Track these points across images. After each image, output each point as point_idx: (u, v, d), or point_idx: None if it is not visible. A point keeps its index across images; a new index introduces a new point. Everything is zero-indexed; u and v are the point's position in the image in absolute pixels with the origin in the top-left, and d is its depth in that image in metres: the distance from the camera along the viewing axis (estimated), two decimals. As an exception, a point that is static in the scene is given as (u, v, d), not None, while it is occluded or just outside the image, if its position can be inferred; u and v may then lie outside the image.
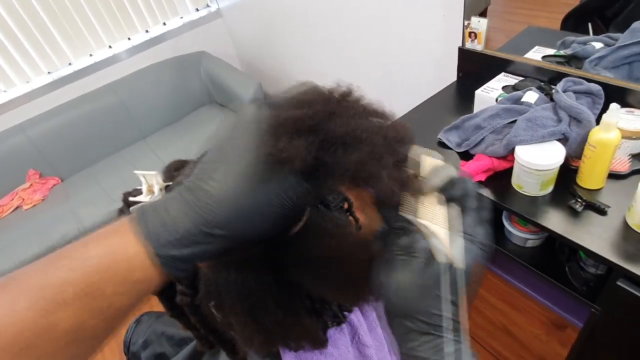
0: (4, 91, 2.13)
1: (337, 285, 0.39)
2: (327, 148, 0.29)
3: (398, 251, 0.33)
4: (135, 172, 0.37)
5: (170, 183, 0.44)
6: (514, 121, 0.95)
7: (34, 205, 2.02)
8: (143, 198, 0.41)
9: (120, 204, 0.44)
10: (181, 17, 2.55)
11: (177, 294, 0.43)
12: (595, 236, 0.81)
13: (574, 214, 0.85)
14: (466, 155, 1.04)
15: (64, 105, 2.22)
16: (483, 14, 1.25)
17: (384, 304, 0.34)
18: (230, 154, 0.29)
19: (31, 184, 2.10)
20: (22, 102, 2.14)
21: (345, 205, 0.53)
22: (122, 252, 0.28)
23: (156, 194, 0.42)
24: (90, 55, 2.32)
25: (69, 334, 0.26)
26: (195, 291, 0.41)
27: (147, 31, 2.46)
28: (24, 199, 2.05)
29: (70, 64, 2.27)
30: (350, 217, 0.54)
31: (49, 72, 2.22)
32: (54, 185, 2.16)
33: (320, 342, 0.40)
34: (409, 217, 0.34)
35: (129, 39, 2.41)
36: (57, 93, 2.23)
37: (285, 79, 2.43)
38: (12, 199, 2.06)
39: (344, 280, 0.39)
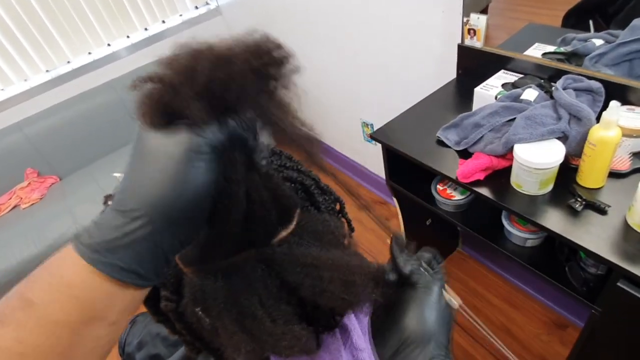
0: (2, 89, 2.12)
1: (329, 292, 0.38)
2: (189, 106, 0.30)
3: (421, 289, 0.42)
4: (114, 174, 0.36)
5: None
6: (513, 119, 0.93)
7: (32, 204, 2.02)
8: None
9: None
10: (180, 15, 2.54)
11: (162, 299, 0.42)
12: (594, 236, 0.79)
13: (574, 213, 0.84)
14: (465, 154, 1.02)
15: (63, 104, 2.21)
16: (484, 11, 1.23)
17: (399, 332, 0.40)
18: (133, 160, 0.31)
19: (29, 183, 2.10)
20: (20, 100, 2.13)
21: (337, 207, 0.52)
22: (56, 263, 0.29)
23: None
24: (89, 53, 2.31)
25: (11, 350, 0.26)
26: (180, 297, 0.40)
27: (146, 29, 2.45)
28: (21, 198, 2.04)
29: (68, 62, 2.26)
30: (343, 219, 0.53)
31: (47, 70, 2.21)
32: (52, 184, 2.15)
33: (311, 350, 0.39)
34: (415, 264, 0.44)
35: (127, 37, 2.40)
36: (56, 91, 2.22)
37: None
38: (10, 198, 2.05)
39: (336, 287, 0.38)
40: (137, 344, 0.99)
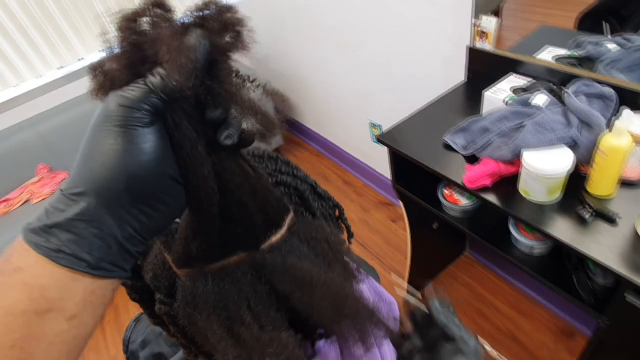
0: (15, 86, 2.15)
1: (318, 308, 0.37)
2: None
3: (459, 343, 0.42)
4: None
5: None
6: (523, 124, 0.91)
7: (43, 199, 2.04)
8: None
9: None
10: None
11: (157, 302, 0.42)
12: (604, 246, 0.78)
13: (583, 222, 0.82)
14: (472, 159, 1.01)
15: (75, 101, 2.24)
16: (496, 12, 1.21)
17: None
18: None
19: (41, 178, 2.13)
20: (32, 96, 2.17)
21: (337, 213, 0.51)
22: (9, 247, 0.28)
23: None
24: (102, 50, 2.33)
25: None
26: (174, 300, 0.40)
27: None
28: (33, 193, 2.07)
29: (82, 59, 2.29)
30: (342, 225, 0.53)
31: (60, 67, 2.24)
32: (63, 179, 2.18)
33: (299, 359, 0.38)
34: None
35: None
36: (68, 88, 2.25)
37: (295, 76, 2.41)
38: (22, 193, 2.08)
39: (326, 305, 0.37)
40: (141, 342, 0.99)
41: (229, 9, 0.32)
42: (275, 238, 0.39)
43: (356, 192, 2.34)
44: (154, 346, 0.98)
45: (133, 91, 0.29)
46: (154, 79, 0.29)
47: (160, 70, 0.29)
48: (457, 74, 1.35)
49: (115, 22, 0.31)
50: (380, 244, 2.03)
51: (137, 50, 0.30)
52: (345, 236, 0.52)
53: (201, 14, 0.31)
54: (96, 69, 0.31)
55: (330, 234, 0.43)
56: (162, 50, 0.28)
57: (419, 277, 1.73)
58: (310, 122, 2.63)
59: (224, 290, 0.38)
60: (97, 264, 0.28)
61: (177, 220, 0.38)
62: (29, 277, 0.26)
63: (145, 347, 1.00)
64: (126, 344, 1.05)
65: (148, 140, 0.29)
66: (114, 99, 0.29)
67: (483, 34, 1.21)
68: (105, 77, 0.31)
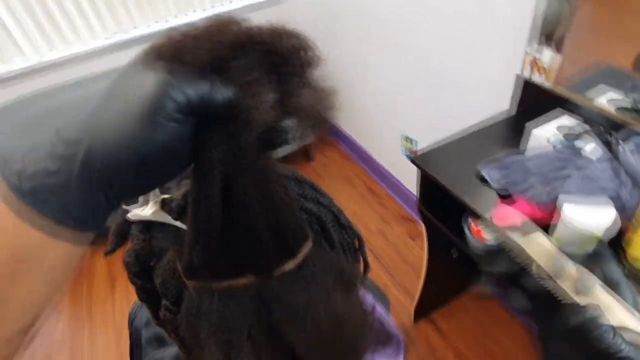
0: (68, 45, 2.22)
1: (315, 342, 0.36)
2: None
3: None
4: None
5: (167, 196, 0.42)
6: (568, 173, 0.87)
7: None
8: (137, 208, 0.40)
9: None
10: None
11: (162, 308, 0.42)
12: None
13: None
14: (506, 196, 0.97)
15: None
16: (552, 38, 1.14)
17: None
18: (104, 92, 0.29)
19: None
20: (83, 59, 2.24)
21: (357, 244, 0.49)
22: None
23: (149, 206, 0.40)
24: (156, 22, 2.38)
25: None
26: (179, 309, 0.39)
27: (213, 7, 2.49)
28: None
29: (134, 27, 2.34)
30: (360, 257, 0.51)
31: (112, 34, 2.30)
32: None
33: None
34: None
35: (194, 11, 2.45)
36: (119, 55, 2.30)
37: (339, 72, 2.39)
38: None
39: (327, 339, 0.36)
40: (145, 321, 1.01)
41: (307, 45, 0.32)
42: (289, 266, 0.38)
43: (379, 202, 2.31)
44: (157, 328, 0.99)
45: (188, 84, 0.27)
46: (218, 90, 0.28)
47: (229, 88, 0.28)
48: (500, 100, 1.31)
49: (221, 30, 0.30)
50: (394, 259, 2.00)
51: (217, 56, 0.29)
52: (360, 269, 0.50)
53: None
54: (174, 32, 0.30)
55: (345, 267, 0.41)
56: (249, 92, 0.29)
57: (429, 301, 1.69)
58: (345, 123, 2.61)
59: (228, 310, 0.37)
60: (80, 218, 0.27)
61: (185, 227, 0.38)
62: (5, 237, 0.25)
63: (148, 325, 1.01)
64: (131, 320, 1.07)
65: (170, 133, 0.27)
66: (161, 79, 0.27)
67: (535, 66, 1.15)
68: (176, 43, 0.29)
